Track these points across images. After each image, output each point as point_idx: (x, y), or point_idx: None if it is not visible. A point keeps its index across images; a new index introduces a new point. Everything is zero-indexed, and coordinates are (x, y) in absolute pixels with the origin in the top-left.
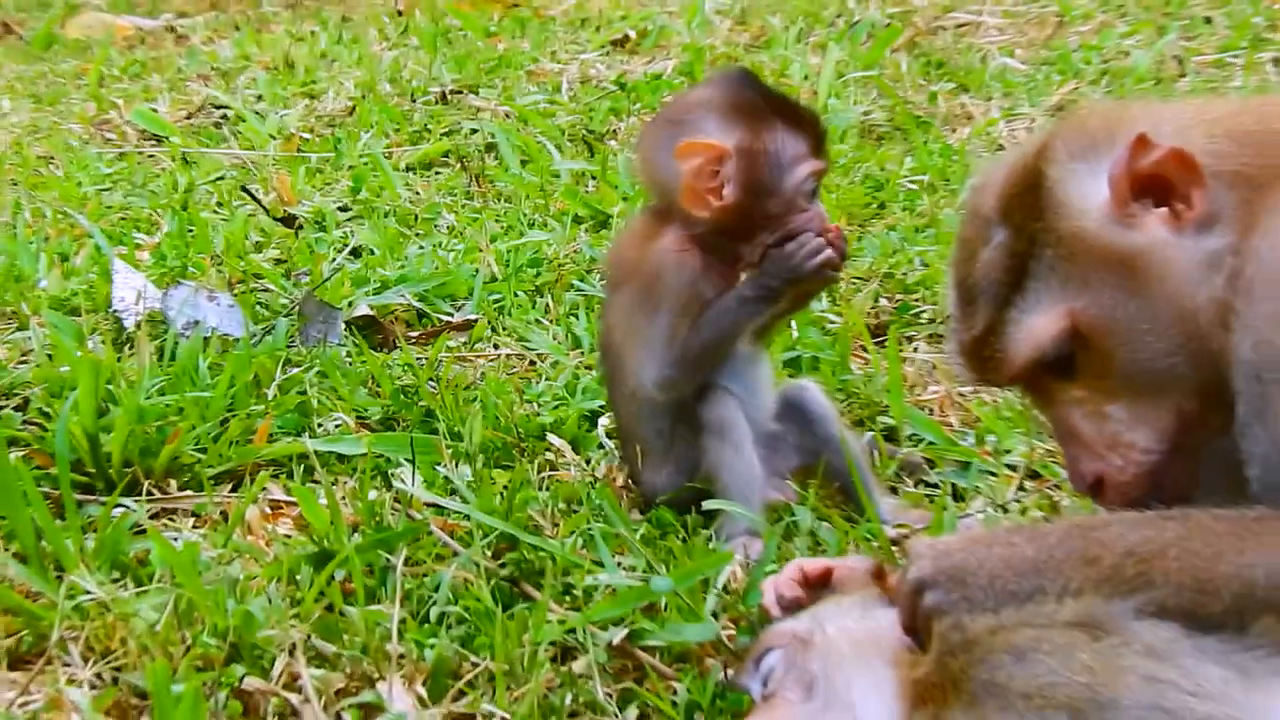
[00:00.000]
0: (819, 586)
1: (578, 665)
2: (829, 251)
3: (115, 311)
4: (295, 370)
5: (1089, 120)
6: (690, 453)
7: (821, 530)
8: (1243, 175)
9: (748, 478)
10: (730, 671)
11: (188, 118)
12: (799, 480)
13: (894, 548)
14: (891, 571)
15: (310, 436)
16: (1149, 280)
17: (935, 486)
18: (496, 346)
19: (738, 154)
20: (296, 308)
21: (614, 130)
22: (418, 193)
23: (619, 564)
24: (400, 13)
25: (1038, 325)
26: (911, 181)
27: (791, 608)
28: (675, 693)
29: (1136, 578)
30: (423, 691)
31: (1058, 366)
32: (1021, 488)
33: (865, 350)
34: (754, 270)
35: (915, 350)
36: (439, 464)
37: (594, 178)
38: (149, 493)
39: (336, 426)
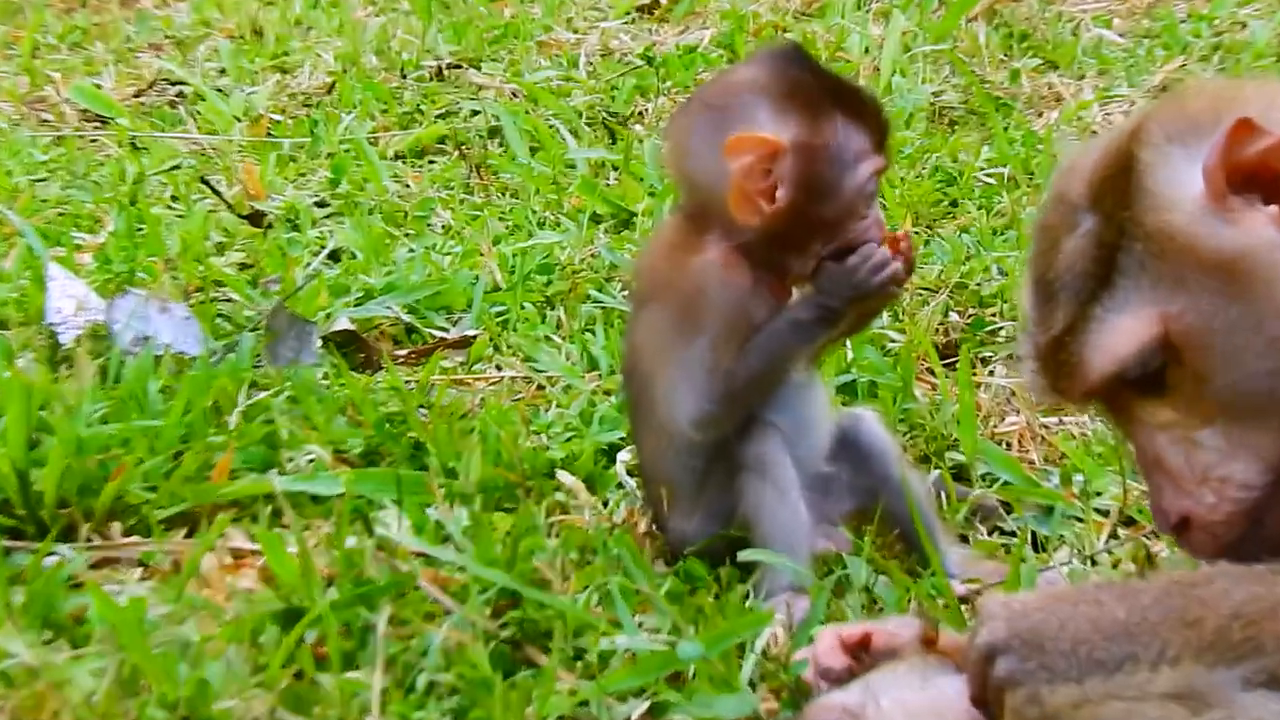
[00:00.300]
0: (867, 652)
1: None
2: (896, 264)
3: (50, 325)
4: (262, 395)
5: (1192, 99)
6: (726, 496)
7: (878, 585)
8: None
9: (792, 525)
10: None
11: (137, 95)
12: (852, 527)
13: (963, 606)
14: (948, 635)
15: (279, 473)
16: (1253, 287)
17: (1012, 534)
18: (499, 368)
19: (794, 150)
20: (264, 321)
21: (640, 112)
22: (408, 185)
23: (640, 625)
24: None
25: (1124, 328)
26: (989, 175)
27: (840, 679)
28: None
29: (1244, 643)
30: None
31: (1143, 382)
32: (1114, 536)
33: (932, 374)
34: (807, 287)
35: (991, 374)
36: (430, 506)
37: (616, 169)
38: (88, 539)
39: (310, 461)
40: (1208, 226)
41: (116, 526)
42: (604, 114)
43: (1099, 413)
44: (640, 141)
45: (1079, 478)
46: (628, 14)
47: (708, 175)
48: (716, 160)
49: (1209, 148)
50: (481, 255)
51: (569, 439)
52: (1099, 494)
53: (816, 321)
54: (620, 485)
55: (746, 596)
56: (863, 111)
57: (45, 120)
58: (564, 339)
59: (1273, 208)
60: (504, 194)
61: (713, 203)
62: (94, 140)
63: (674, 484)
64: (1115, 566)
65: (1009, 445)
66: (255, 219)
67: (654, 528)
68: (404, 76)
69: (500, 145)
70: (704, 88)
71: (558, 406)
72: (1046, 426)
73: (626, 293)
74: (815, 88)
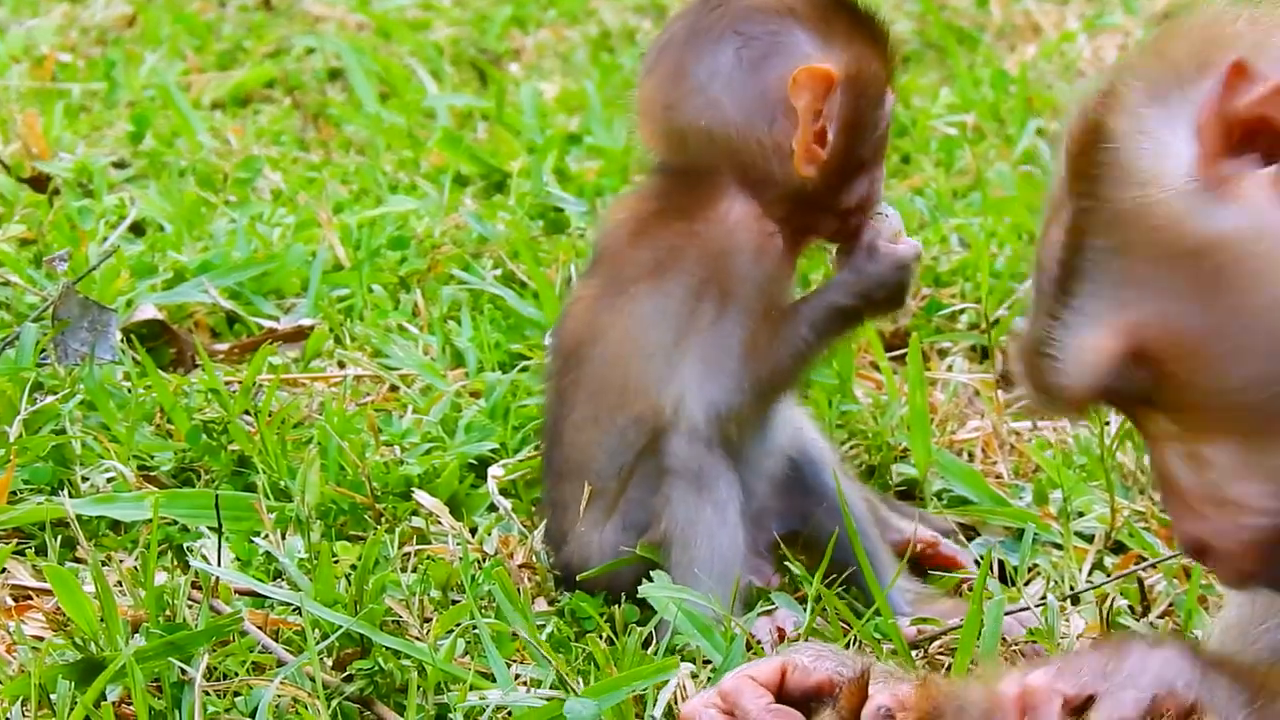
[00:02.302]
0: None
1: None
2: (915, 243)
3: None
4: (49, 399)
5: (1175, 42)
6: (647, 503)
7: (816, 625)
8: None
9: (729, 551)
10: None
11: None
12: (785, 553)
13: (914, 653)
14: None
15: (71, 495)
16: (1242, 275)
17: (975, 564)
18: (342, 365)
19: (845, 83)
20: (51, 309)
21: (516, 49)
22: (228, 141)
23: (517, 677)
24: None
25: (1086, 345)
26: (949, 124)
27: None
28: None
29: None
30: None
31: (1132, 393)
32: (1099, 567)
33: (876, 369)
34: (826, 273)
35: (949, 369)
36: (257, 534)
37: (485, 119)
38: None
39: (109, 481)
40: (1198, 202)
41: None
42: (472, 51)
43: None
44: (516, 85)
45: (1056, 494)
46: None
47: (738, 121)
48: (754, 101)
49: (1197, 102)
50: (320, 226)
51: (428, 451)
52: (1081, 514)
53: (855, 310)
54: (492, 507)
55: (648, 642)
56: (882, 37)
57: None
58: (421, 329)
59: (1271, 169)
60: (347, 151)
61: (742, 155)
62: None
63: (600, 483)
64: (1103, 604)
65: (970, 456)
66: (38, 183)
67: (536, 556)
68: (223, 5)
69: (343, 91)
70: (704, 15)
71: (414, 412)
72: (1017, 433)
73: (500, 271)
74: (841, 10)
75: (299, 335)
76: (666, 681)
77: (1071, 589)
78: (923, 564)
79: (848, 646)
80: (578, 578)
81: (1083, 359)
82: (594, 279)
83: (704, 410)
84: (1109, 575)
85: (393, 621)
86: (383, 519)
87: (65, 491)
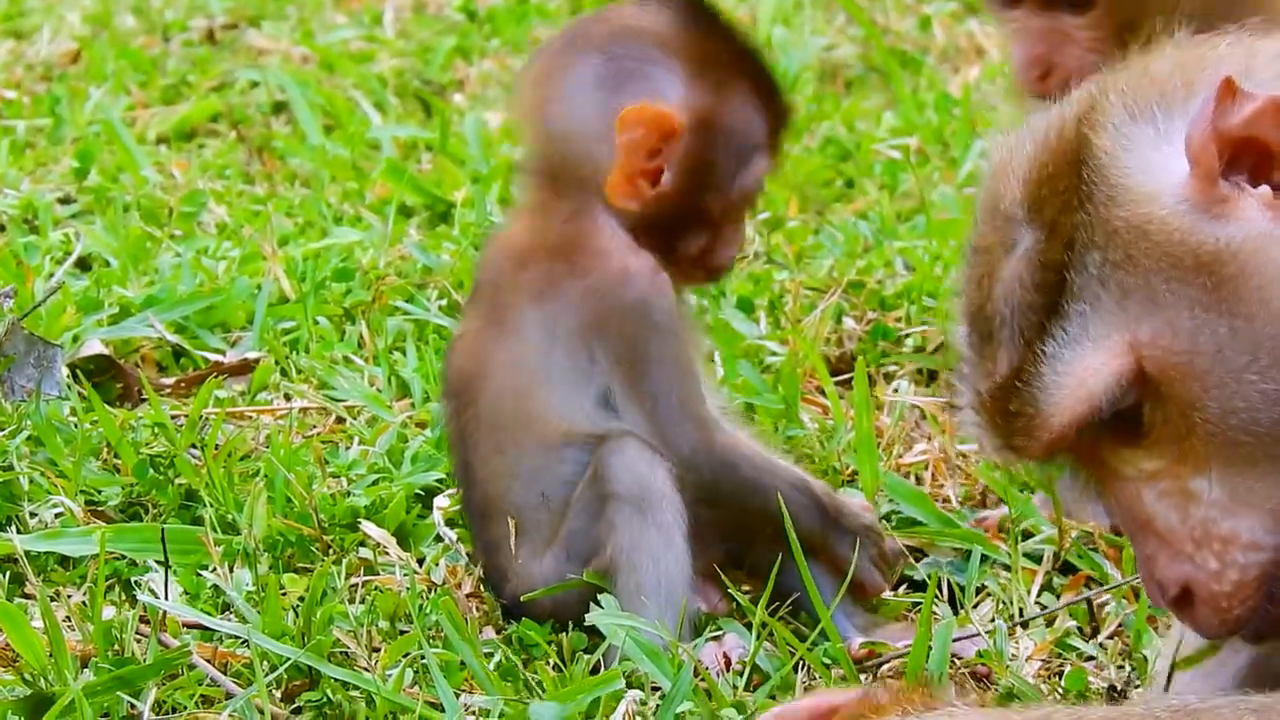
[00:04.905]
0: None
1: None
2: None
3: None
4: None
5: (1154, 64)
6: (591, 530)
7: (763, 653)
8: None
9: (675, 574)
10: None
11: None
12: (723, 576)
13: (863, 676)
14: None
15: (19, 531)
16: (1249, 291)
17: (920, 587)
18: (288, 397)
19: (692, 131)
20: None
21: (460, 80)
22: (173, 175)
23: (465, 706)
24: None
25: (1086, 367)
26: (892, 147)
27: None
28: None
29: None
30: None
31: (1119, 426)
32: (1048, 588)
33: (822, 394)
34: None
35: (895, 392)
36: (205, 567)
37: (430, 149)
38: None
39: (57, 516)
40: (1193, 220)
41: None
42: (416, 82)
43: (1068, 469)
44: (460, 115)
45: (993, 512)
46: None
47: (582, 137)
48: (599, 120)
49: (1189, 120)
50: (265, 259)
51: (375, 482)
52: (1029, 535)
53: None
54: (439, 538)
55: (596, 668)
56: (768, 92)
57: None
58: (367, 360)
59: (1263, 189)
60: (292, 183)
61: (581, 168)
62: None
63: (524, 514)
64: (1051, 627)
65: (918, 479)
66: None
67: (482, 584)
68: (167, 41)
69: (287, 124)
70: (588, 25)
71: (361, 443)
72: (964, 455)
73: (445, 301)
74: (725, 53)
75: (245, 368)
76: (615, 708)
77: (1020, 611)
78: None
79: (795, 671)
80: (521, 598)
81: (1081, 381)
82: (476, 310)
83: (690, 451)
84: (1058, 595)
85: (341, 653)
86: (330, 550)
87: (13, 527)
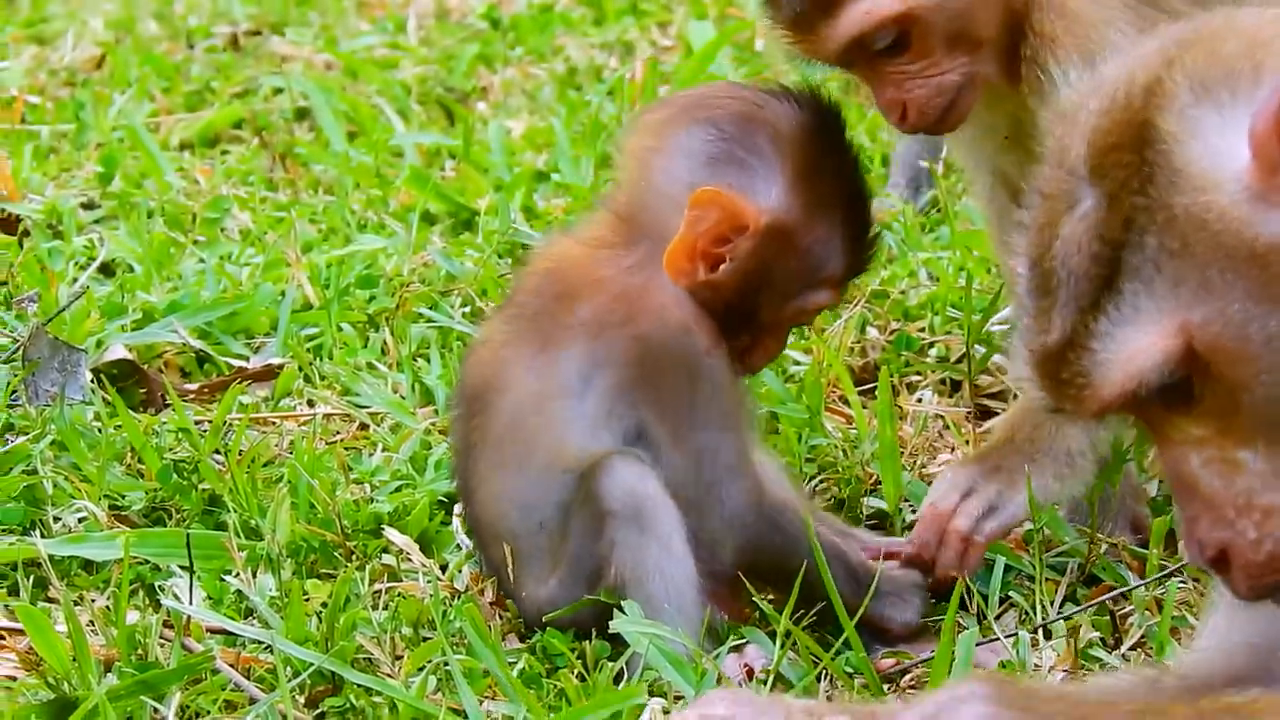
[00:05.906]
0: None
1: None
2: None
3: None
4: (19, 440)
5: (1223, 40)
6: (592, 549)
7: (786, 662)
8: None
9: (682, 583)
10: None
11: None
12: (747, 584)
13: (886, 687)
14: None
15: (43, 535)
16: None
17: (944, 597)
18: (311, 403)
19: (768, 234)
20: (21, 350)
21: (483, 87)
22: (197, 181)
23: (489, 713)
24: None
25: (1136, 344)
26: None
27: None
28: None
29: None
30: None
31: (1170, 394)
32: (1071, 599)
33: (846, 403)
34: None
35: (919, 402)
36: (229, 572)
37: (453, 157)
38: None
39: (81, 521)
40: (1251, 210)
41: None
42: (439, 89)
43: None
44: (484, 123)
45: (1027, 524)
46: None
47: (667, 198)
48: (686, 190)
49: (1255, 108)
50: (288, 266)
51: (398, 489)
52: (1055, 545)
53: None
54: (460, 546)
55: (619, 677)
56: (858, 229)
57: None
58: (390, 367)
59: None
60: (315, 190)
61: (657, 226)
62: None
63: (521, 541)
64: (1074, 636)
65: None
66: (8, 225)
67: (503, 595)
68: (191, 47)
69: (310, 130)
70: (720, 94)
71: (384, 450)
72: None
73: (469, 308)
74: (833, 177)
75: (268, 374)
76: (638, 717)
77: (1044, 622)
78: None
79: (819, 681)
80: (544, 618)
81: (1131, 358)
82: (509, 323)
83: (749, 507)
84: (1080, 607)
85: (364, 659)
86: (353, 556)
87: (37, 532)
